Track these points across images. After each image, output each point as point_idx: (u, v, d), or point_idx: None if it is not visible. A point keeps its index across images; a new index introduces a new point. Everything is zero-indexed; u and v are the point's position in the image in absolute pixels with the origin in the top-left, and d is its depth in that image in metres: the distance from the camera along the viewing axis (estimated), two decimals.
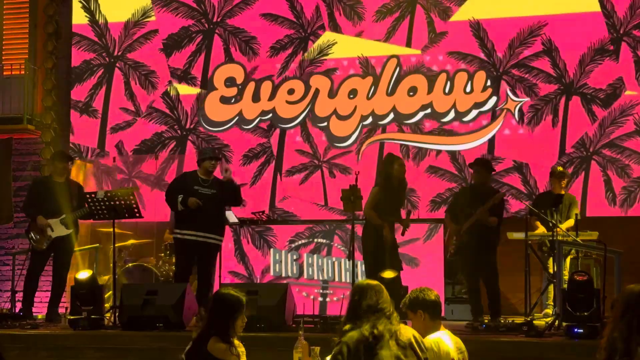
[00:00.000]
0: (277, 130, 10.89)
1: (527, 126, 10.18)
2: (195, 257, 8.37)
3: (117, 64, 11.41)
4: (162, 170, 11.08)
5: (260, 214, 10.32)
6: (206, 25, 11.18)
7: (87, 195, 8.64)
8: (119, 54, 11.42)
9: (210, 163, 8.35)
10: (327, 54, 10.76)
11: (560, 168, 9.25)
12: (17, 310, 9.04)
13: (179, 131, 11.20)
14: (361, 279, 9.11)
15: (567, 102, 10.11)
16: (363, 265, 8.56)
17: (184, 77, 11.19)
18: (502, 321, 7.88)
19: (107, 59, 11.47)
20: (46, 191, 8.74)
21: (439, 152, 10.40)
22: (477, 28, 10.37)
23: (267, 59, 10.95)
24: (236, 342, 4.67)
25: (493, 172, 8.77)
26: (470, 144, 10.32)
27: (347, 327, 4.28)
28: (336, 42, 10.74)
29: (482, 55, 10.35)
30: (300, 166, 10.77)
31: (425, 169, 10.39)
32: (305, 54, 10.79)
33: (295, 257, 9.89)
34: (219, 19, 11.12)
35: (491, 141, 10.30)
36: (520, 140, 10.23)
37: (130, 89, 11.35)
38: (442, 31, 10.48)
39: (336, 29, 10.75)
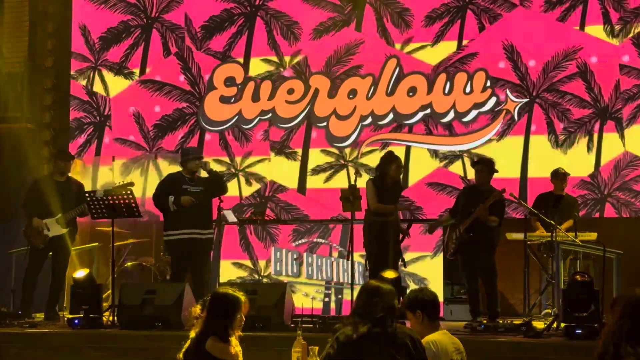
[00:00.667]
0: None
1: None
2: (191, 255, 8.43)
3: None
4: None
5: (259, 213, 10.34)
6: (248, 9, 11.00)
7: (87, 194, 8.64)
8: None
9: (195, 163, 8.49)
10: (353, 53, 10.72)
11: (562, 169, 9.25)
12: (16, 309, 9.04)
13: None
14: (360, 278, 9.17)
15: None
16: (361, 266, 8.58)
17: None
18: (501, 322, 7.88)
19: None
20: (45, 190, 8.74)
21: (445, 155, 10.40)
22: (510, 50, 10.32)
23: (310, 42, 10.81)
24: (234, 341, 4.67)
25: (496, 173, 8.75)
26: (471, 144, 10.30)
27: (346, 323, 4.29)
28: (363, 42, 10.67)
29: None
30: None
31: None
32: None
33: (295, 256, 9.90)
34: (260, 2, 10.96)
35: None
36: None
37: None
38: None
39: (385, 35, 10.58)
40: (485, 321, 7.88)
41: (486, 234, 8.19)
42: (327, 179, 10.62)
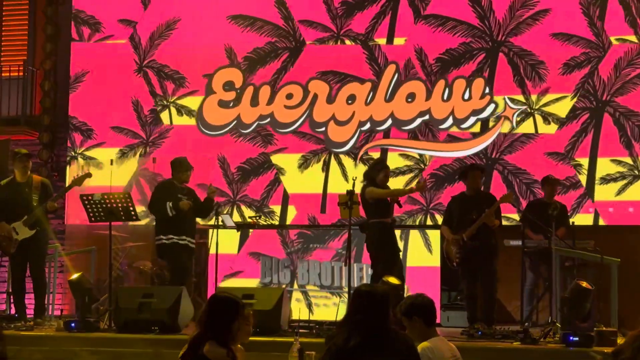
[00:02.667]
0: None
1: None
2: (191, 261, 8.89)
3: None
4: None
5: (257, 217, 10.33)
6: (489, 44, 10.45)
7: (84, 198, 8.62)
8: None
9: (187, 174, 8.87)
10: None
11: (552, 176, 9.25)
12: (12, 312, 9.02)
13: None
14: (361, 283, 9.16)
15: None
16: (363, 269, 8.60)
17: None
18: (498, 328, 7.88)
19: None
20: (10, 194, 8.69)
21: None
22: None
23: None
24: (239, 346, 4.61)
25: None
26: (470, 151, 10.31)
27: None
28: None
29: None
30: None
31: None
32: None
33: (287, 263, 9.91)
34: (503, 38, 10.38)
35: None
36: None
37: None
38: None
39: (522, 85, 10.28)
40: (481, 327, 7.87)
41: (491, 239, 8.20)
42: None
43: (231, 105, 11.06)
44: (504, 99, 10.27)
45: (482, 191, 8.58)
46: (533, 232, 8.75)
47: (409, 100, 10.55)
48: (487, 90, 10.33)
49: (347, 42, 10.68)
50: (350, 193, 8.18)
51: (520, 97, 10.21)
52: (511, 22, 10.30)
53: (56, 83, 11.68)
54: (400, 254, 8.59)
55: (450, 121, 10.41)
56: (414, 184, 8.56)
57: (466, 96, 10.39)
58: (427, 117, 10.47)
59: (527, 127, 10.19)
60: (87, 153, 11.32)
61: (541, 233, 8.64)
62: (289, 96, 10.89)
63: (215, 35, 11.08)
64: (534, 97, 10.18)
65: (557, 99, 10.12)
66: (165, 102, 11.15)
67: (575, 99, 10.10)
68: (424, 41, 10.51)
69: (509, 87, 10.26)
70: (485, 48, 10.36)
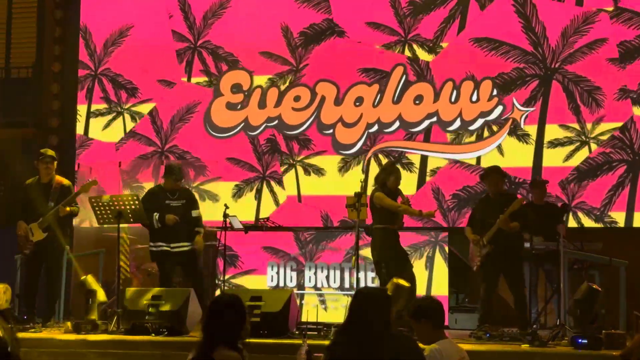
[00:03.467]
0: None
1: None
2: (175, 266, 8.83)
3: None
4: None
5: (265, 220, 10.34)
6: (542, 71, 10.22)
7: (93, 200, 8.65)
8: None
9: (176, 184, 8.79)
10: None
11: (539, 177, 9.23)
12: (21, 314, 9.04)
13: None
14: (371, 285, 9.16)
15: None
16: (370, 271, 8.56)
17: None
18: (506, 330, 7.86)
19: None
20: (31, 194, 8.73)
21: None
22: None
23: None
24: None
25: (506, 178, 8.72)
26: (476, 153, 10.30)
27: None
28: None
29: None
30: None
31: None
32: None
33: (293, 267, 9.90)
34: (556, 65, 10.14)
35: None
36: None
37: None
38: None
39: (577, 111, 10.00)
40: (489, 329, 7.86)
41: (512, 243, 8.17)
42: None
43: (239, 107, 11.07)
44: (513, 100, 10.24)
45: (506, 193, 8.52)
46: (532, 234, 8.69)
47: (417, 102, 10.53)
48: (494, 92, 10.31)
49: (415, 46, 10.53)
50: (359, 195, 8.18)
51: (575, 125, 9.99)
52: (564, 49, 10.09)
53: (64, 85, 11.71)
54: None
55: (458, 123, 10.39)
56: (425, 211, 8.47)
57: (474, 98, 10.37)
58: (434, 119, 10.46)
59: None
60: (134, 109, 11.37)
61: (540, 235, 8.57)
62: (297, 98, 10.89)
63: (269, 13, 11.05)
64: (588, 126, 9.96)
65: None
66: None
67: None
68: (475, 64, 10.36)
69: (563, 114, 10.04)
70: (538, 75, 10.16)
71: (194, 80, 11.24)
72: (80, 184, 9.58)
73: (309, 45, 10.87)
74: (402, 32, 10.61)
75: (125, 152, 11.30)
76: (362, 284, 8.82)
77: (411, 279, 7.96)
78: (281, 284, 9.91)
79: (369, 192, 8.80)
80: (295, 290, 9.41)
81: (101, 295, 8.29)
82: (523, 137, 10.11)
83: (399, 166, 9.21)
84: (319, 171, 10.61)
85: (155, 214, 8.59)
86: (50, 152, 9.02)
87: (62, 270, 9.04)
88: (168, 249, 8.64)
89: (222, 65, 11.15)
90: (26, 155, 11.67)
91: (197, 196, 9.30)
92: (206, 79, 11.17)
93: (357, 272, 8.34)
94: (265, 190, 10.77)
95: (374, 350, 3.98)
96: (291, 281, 9.89)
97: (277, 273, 9.95)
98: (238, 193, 10.82)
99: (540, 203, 8.97)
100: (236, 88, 11.10)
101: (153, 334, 7.63)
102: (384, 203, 8.23)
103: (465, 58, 10.38)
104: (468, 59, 10.37)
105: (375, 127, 10.62)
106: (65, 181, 9.03)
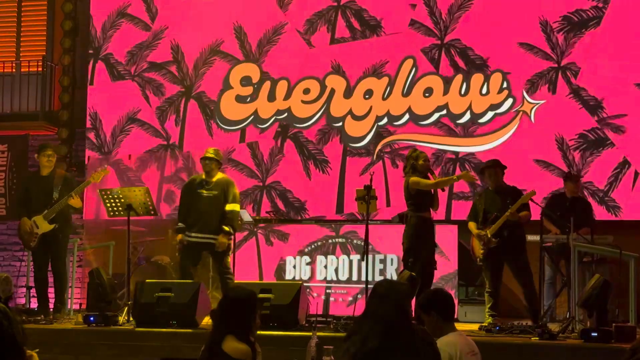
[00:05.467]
0: None
1: None
2: (199, 258, 8.74)
3: None
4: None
5: (273, 212, 10.35)
6: None
7: (103, 192, 8.67)
8: None
9: (204, 162, 8.60)
10: None
11: (574, 171, 9.21)
12: (32, 306, 9.08)
13: None
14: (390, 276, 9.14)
15: None
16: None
17: None
18: (516, 323, 7.86)
19: None
20: (33, 187, 8.75)
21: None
22: None
23: None
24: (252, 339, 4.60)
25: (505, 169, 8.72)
26: (486, 146, 10.28)
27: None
28: None
29: None
30: None
31: None
32: None
33: (307, 261, 9.87)
34: None
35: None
36: None
37: None
38: None
39: None
40: (498, 322, 7.85)
41: (517, 235, 8.17)
42: None
43: (248, 100, 11.07)
44: (523, 92, 10.22)
45: (508, 186, 8.51)
46: (555, 226, 8.70)
47: (427, 95, 10.52)
48: (504, 85, 10.28)
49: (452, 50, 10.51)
50: (368, 188, 8.15)
51: None
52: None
53: (75, 78, 11.73)
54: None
55: (467, 116, 10.37)
56: (455, 176, 8.46)
57: (484, 91, 10.35)
58: (444, 111, 10.44)
59: None
60: None
61: (560, 227, 8.60)
62: (306, 91, 10.88)
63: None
64: None
65: None
66: None
67: None
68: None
69: None
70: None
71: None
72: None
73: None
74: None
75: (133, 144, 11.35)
76: (369, 277, 8.79)
77: (427, 275, 7.94)
78: (297, 277, 9.83)
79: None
80: (305, 283, 9.42)
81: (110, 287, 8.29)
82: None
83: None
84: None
85: (181, 225, 8.56)
86: (50, 145, 9.04)
87: (67, 260, 9.05)
88: (197, 239, 8.53)
89: None
90: (36, 149, 11.75)
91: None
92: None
93: (367, 265, 8.31)
94: None
95: (393, 347, 3.96)
96: (305, 274, 9.84)
97: (294, 267, 9.88)
98: None
99: (573, 196, 8.97)
100: (245, 81, 11.10)
101: (163, 326, 7.64)
102: (421, 185, 8.04)
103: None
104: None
105: (385, 120, 10.60)
106: (67, 173, 9.11)
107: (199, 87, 11.22)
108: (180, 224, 8.60)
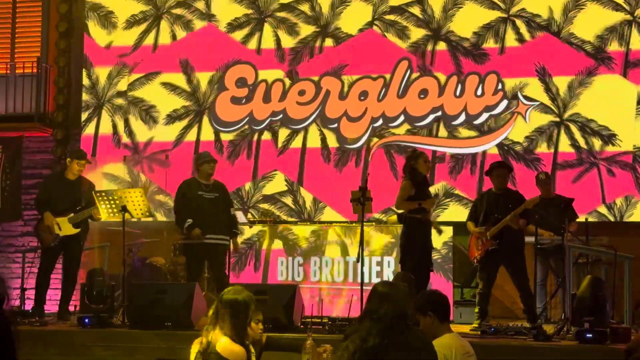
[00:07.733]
0: None
1: None
2: (205, 260, 8.73)
3: None
4: None
5: (269, 214, 10.34)
6: None
7: (99, 193, 8.65)
8: None
9: (210, 166, 8.62)
10: None
11: (542, 174, 9.22)
12: (26, 308, 9.06)
13: None
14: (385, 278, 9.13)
15: None
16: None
17: None
18: (511, 325, 7.86)
19: None
20: (58, 188, 8.75)
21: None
22: None
23: None
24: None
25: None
26: (481, 147, 10.29)
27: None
28: None
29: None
30: None
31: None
32: None
33: (300, 262, 9.86)
34: None
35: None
36: None
37: None
38: None
39: None
40: (493, 323, 7.86)
41: (515, 239, 8.15)
42: None
43: (243, 101, 11.07)
44: (518, 94, 10.23)
45: (511, 190, 8.50)
46: (542, 229, 8.67)
47: (422, 96, 10.53)
48: (499, 87, 10.30)
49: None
50: (363, 189, 8.15)
51: None
52: None
53: (70, 80, 11.72)
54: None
55: (463, 117, 10.38)
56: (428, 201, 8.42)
57: (479, 92, 10.36)
58: (439, 113, 10.45)
59: None
60: None
61: (551, 229, 8.57)
62: (301, 92, 10.88)
63: None
64: None
65: None
66: None
67: None
68: None
69: None
70: None
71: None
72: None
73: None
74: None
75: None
76: (365, 279, 8.78)
77: (422, 277, 7.93)
78: (289, 278, 9.81)
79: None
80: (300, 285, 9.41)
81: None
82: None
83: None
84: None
85: (189, 220, 8.47)
86: (84, 152, 9.10)
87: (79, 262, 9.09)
88: (203, 241, 8.50)
89: None
90: (30, 150, 11.73)
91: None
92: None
93: (362, 266, 8.31)
94: None
95: (392, 346, 3.96)
96: (299, 276, 9.83)
97: (287, 268, 9.86)
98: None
99: (549, 197, 8.94)
100: (241, 82, 11.10)
101: (158, 328, 7.62)
102: (399, 194, 8.17)
103: None
104: None
105: (380, 121, 10.61)
106: (92, 182, 9.07)
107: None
108: (189, 220, 8.50)
